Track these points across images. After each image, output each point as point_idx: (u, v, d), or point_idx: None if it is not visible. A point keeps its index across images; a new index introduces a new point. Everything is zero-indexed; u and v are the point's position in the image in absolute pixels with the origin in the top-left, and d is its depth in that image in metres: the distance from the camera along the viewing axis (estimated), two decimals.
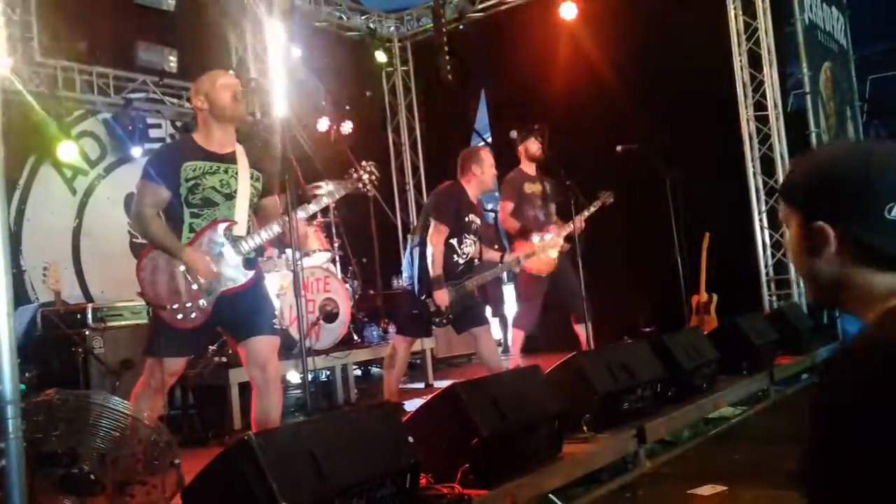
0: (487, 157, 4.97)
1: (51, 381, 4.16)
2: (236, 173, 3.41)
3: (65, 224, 6.55)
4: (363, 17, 9.14)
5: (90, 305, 5.35)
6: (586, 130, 7.35)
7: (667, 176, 6.32)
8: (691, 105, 7.09)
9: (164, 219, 3.37)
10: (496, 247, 6.09)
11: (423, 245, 4.80)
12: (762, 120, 7.28)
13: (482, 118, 9.48)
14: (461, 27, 8.67)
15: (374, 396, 6.03)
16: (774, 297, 7.28)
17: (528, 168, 5.77)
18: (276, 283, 5.44)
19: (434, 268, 4.68)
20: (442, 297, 4.67)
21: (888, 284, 1.07)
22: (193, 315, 3.27)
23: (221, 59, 7.58)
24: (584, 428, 3.82)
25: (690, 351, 4.72)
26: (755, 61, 7.27)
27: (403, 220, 9.42)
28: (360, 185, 3.65)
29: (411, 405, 4.66)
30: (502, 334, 9.30)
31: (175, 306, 3.25)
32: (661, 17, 7.27)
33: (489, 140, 9.43)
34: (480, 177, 4.93)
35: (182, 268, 3.28)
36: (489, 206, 10.79)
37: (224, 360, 5.13)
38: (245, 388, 4.76)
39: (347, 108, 8.45)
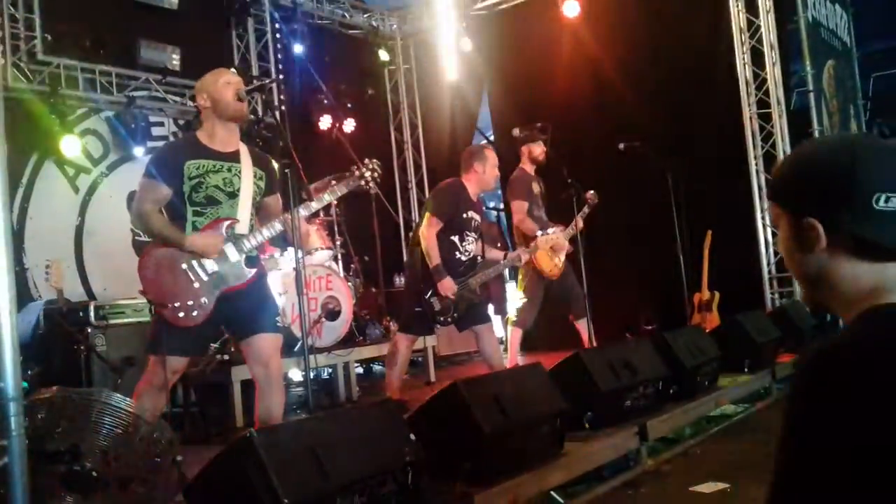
0: (491, 157, 4.98)
1: (53, 379, 4.17)
2: (239, 172, 3.41)
3: (67, 222, 6.56)
4: (365, 15, 9.14)
5: (92, 303, 5.36)
6: (588, 127, 7.35)
7: (669, 173, 6.32)
8: (694, 102, 7.09)
9: (166, 216, 3.38)
10: (499, 245, 6.08)
11: (418, 240, 4.80)
12: (765, 118, 7.27)
13: (484, 116, 9.47)
14: (463, 24, 8.67)
15: (375, 394, 6.03)
16: (777, 295, 7.27)
17: (530, 168, 5.79)
18: (279, 282, 5.44)
19: (431, 259, 4.67)
20: (447, 285, 4.66)
21: (874, 277, 1.07)
22: (195, 313, 3.28)
23: (224, 57, 7.58)
24: (586, 425, 3.83)
25: (692, 349, 4.72)
26: (758, 59, 7.26)
27: (405, 217, 9.42)
28: (363, 183, 3.66)
29: (413, 403, 4.66)
30: (505, 332, 9.30)
31: (177, 304, 3.26)
32: (663, 14, 7.26)
33: (491, 138, 9.42)
34: (482, 175, 4.93)
35: (184, 265, 3.28)
36: (490, 204, 10.80)
37: (226, 357, 5.14)
38: (247, 385, 4.76)
39: (349, 105, 8.45)
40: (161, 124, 7.23)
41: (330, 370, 6.09)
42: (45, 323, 5.28)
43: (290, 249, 4.65)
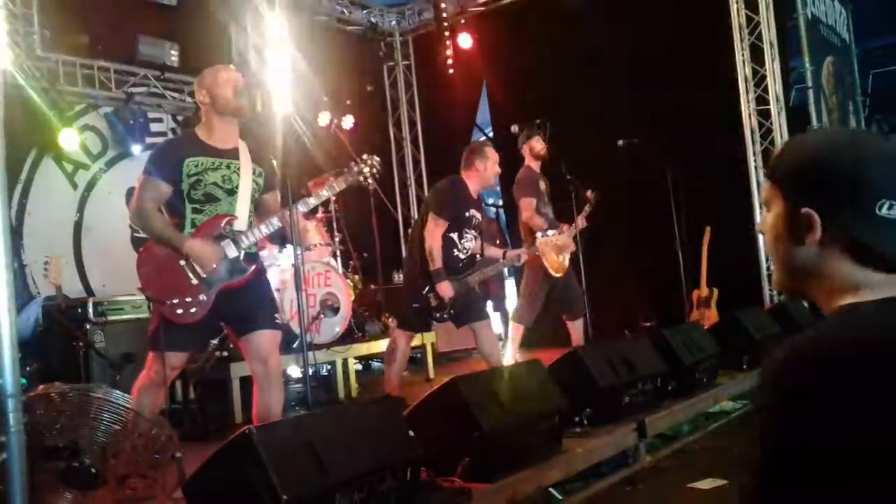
0: (493, 154, 4.97)
1: (52, 375, 4.17)
2: (238, 169, 3.41)
3: (66, 218, 6.55)
4: (364, 12, 9.12)
5: (91, 299, 5.36)
6: (587, 125, 7.34)
7: (668, 170, 6.32)
8: (693, 99, 7.07)
9: (165, 214, 3.38)
10: (498, 242, 6.09)
11: (419, 237, 4.80)
12: (764, 114, 7.26)
13: (483, 113, 9.47)
14: (462, 20, 8.67)
15: (374, 390, 6.03)
16: (775, 292, 7.27)
17: (535, 166, 5.81)
18: (276, 278, 5.44)
19: (434, 261, 4.67)
20: (445, 288, 4.67)
21: (859, 276, 1.05)
22: (193, 310, 3.27)
23: (223, 53, 7.57)
24: (585, 422, 3.83)
25: (691, 345, 4.73)
26: (757, 55, 7.26)
27: (404, 214, 9.42)
28: (361, 178, 3.65)
29: (412, 399, 4.66)
30: (503, 329, 9.30)
31: (175, 301, 3.26)
32: (662, 10, 7.25)
33: (490, 134, 9.41)
34: (483, 173, 4.93)
35: (182, 262, 3.28)
36: (490, 201, 10.79)
37: (225, 354, 5.14)
38: (246, 382, 4.76)
39: (348, 102, 8.44)
40: (160, 120, 7.23)
41: (329, 367, 6.09)
42: (43, 319, 5.28)
43: (289, 245, 4.64)
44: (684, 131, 6.93)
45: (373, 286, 7.39)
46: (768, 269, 7.25)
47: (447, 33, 8.81)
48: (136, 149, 6.75)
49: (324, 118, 8.13)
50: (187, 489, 2.61)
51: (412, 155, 9.60)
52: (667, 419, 4.20)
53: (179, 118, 7.30)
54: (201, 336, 3.68)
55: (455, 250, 4.82)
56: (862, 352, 0.96)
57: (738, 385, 5.00)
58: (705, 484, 3.43)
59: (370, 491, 2.60)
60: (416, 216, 7.26)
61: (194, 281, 3.28)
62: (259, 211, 3.55)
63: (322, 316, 5.65)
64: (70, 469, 2.70)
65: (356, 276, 6.81)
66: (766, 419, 0.99)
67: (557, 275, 5.60)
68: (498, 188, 9.75)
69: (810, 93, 7.27)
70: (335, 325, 5.82)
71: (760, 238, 7.21)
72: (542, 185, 5.76)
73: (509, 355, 5.71)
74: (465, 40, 8.63)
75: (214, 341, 5.06)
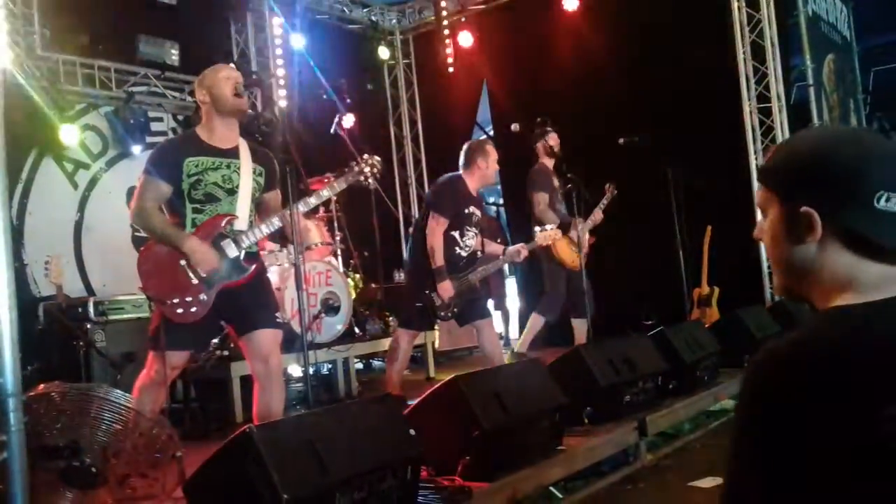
0: (493, 152, 4.98)
1: (52, 375, 4.17)
2: (238, 168, 3.41)
3: (66, 218, 6.55)
4: (365, 10, 9.11)
5: (92, 299, 5.36)
6: (588, 122, 7.33)
7: (668, 168, 6.31)
8: (693, 97, 7.07)
9: (166, 213, 3.38)
10: (499, 240, 6.09)
11: (420, 236, 4.80)
12: (765, 112, 7.25)
13: (484, 111, 9.46)
14: (462, 19, 8.67)
15: (375, 389, 6.03)
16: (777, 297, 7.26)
17: (549, 162, 5.83)
18: (277, 277, 5.44)
19: (435, 260, 4.68)
20: (446, 288, 4.68)
21: (853, 273, 1.05)
22: (194, 309, 3.27)
23: (223, 51, 7.57)
24: (585, 420, 3.84)
25: (692, 343, 4.73)
26: (758, 53, 7.24)
27: (405, 213, 9.41)
28: (362, 178, 3.65)
29: (413, 398, 4.67)
30: (504, 328, 9.30)
31: (175, 300, 3.26)
32: (662, 8, 7.24)
33: (491, 133, 9.41)
34: (484, 170, 4.93)
35: (183, 262, 3.28)
36: (490, 200, 10.79)
37: (226, 353, 5.14)
38: (247, 381, 4.76)
39: (349, 100, 8.43)
40: (160, 119, 7.22)
41: (329, 366, 6.09)
42: (44, 319, 5.28)
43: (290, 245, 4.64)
44: (685, 129, 6.92)
45: (373, 285, 7.39)
46: (769, 267, 7.19)
47: (447, 32, 8.81)
48: (136, 148, 6.75)
49: (324, 117, 8.12)
50: (188, 488, 2.61)
51: (413, 153, 9.60)
52: (668, 418, 4.20)
53: (180, 117, 7.30)
54: (202, 335, 3.68)
55: (457, 248, 4.83)
56: (839, 354, 0.96)
57: (739, 384, 4.99)
58: (706, 483, 3.42)
59: (371, 490, 2.60)
60: (417, 215, 7.27)
61: (195, 280, 3.28)
62: (260, 210, 3.55)
63: (323, 315, 5.65)
64: (71, 468, 2.70)
65: (357, 275, 6.81)
66: (741, 420, 1.00)
67: (574, 268, 5.64)
68: (498, 187, 9.76)
69: (811, 90, 7.26)
70: (336, 324, 5.82)
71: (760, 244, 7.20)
72: (556, 181, 5.78)
73: (521, 343, 5.73)
74: (466, 38, 8.63)
75: (215, 340, 5.06)
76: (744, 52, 7.26)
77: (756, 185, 7.18)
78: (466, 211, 4.86)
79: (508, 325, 9.57)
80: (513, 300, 9.68)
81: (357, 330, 6.31)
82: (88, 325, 5.08)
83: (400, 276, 7.87)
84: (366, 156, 3.70)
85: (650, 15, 7.33)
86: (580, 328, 5.76)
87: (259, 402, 3.39)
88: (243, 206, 3.41)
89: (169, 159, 3.35)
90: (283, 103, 7.81)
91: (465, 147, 5.02)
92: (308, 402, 3.55)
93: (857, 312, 1.02)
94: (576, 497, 3.40)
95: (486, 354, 4.95)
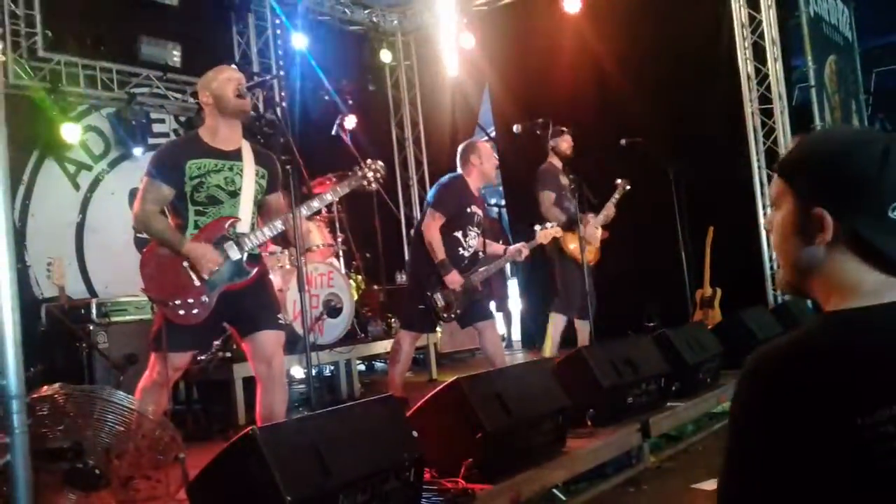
0: (485, 148, 5.00)
1: (55, 377, 4.16)
2: (241, 170, 3.41)
3: (69, 219, 6.55)
4: (366, 11, 9.12)
5: (94, 300, 5.36)
6: (590, 124, 7.33)
7: (671, 169, 6.31)
8: (695, 98, 7.07)
9: (168, 216, 3.38)
10: (500, 241, 6.09)
11: (421, 237, 4.80)
12: (767, 113, 7.25)
13: (485, 112, 9.46)
14: (464, 20, 8.66)
15: (378, 391, 6.02)
16: (779, 291, 7.26)
17: (558, 161, 5.84)
18: (279, 279, 5.44)
19: (436, 254, 4.67)
20: (454, 278, 4.68)
21: (863, 279, 1.05)
22: (195, 311, 3.27)
23: (225, 53, 7.57)
24: (588, 422, 3.83)
25: (694, 345, 4.72)
26: (760, 54, 7.24)
27: (407, 214, 9.41)
28: (365, 183, 3.66)
29: (415, 400, 4.66)
30: (506, 329, 9.30)
31: (177, 302, 3.26)
32: (664, 9, 7.24)
33: (492, 134, 9.41)
34: (481, 167, 4.94)
35: (185, 263, 3.28)
36: (492, 201, 10.79)
37: (228, 354, 5.14)
38: (249, 382, 4.76)
39: (350, 101, 8.44)
40: (162, 121, 7.22)
41: (332, 367, 6.09)
42: (46, 320, 5.27)
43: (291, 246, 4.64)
44: (687, 130, 6.92)
45: (375, 286, 7.39)
46: (772, 268, 7.24)
47: (449, 33, 8.80)
48: (138, 150, 6.75)
49: (326, 118, 8.12)
50: (191, 490, 2.61)
51: (414, 155, 9.60)
52: (670, 419, 4.20)
53: (182, 119, 7.30)
54: (204, 337, 3.68)
55: (460, 248, 4.83)
56: (830, 357, 0.97)
57: (735, 384, 4.99)
58: (709, 485, 3.42)
59: (374, 492, 2.60)
60: (419, 216, 7.27)
61: (197, 282, 3.28)
62: (262, 212, 3.55)
63: (325, 317, 5.65)
64: (74, 470, 2.70)
65: (359, 277, 6.81)
66: (735, 420, 1.01)
67: (588, 263, 5.66)
68: (500, 188, 9.76)
69: (813, 91, 7.25)
70: (338, 326, 5.82)
71: (764, 235, 7.21)
72: (565, 179, 5.77)
73: (549, 348, 5.72)
74: (468, 40, 8.63)
75: (217, 342, 5.06)
76: (745, 53, 7.26)
77: (758, 185, 7.19)
78: (468, 210, 4.86)
79: (510, 326, 9.58)
80: (515, 302, 9.69)
81: (359, 332, 6.31)
82: (91, 327, 5.08)
83: (402, 278, 7.87)
84: (369, 161, 3.71)
85: (651, 16, 7.33)
86: (583, 329, 5.75)
87: (262, 404, 3.39)
88: (246, 208, 3.41)
89: (171, 162, 3.34)
90: (284, 104, 7.82)
91: (458, 150, 5.05)
92: (311, 403, 3.55)
93: (854, 316, 1.02)
94: (579, 499, 3.39)
95: (489, 356, 4.95)
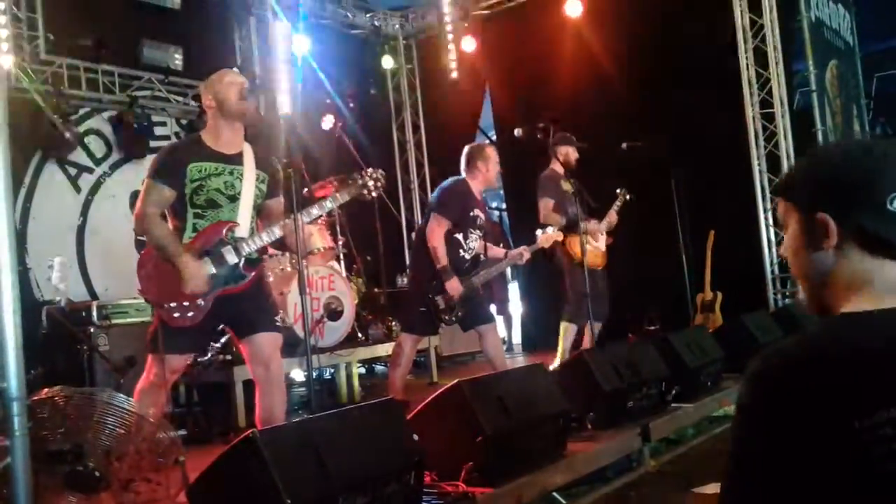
0: (493, 154, 4.99)
1: (56, 379, 4.16)
2: (241, 175, 3.41)
3: (69, 222, 6.56)
4: (368, 15, 9.13)
5: (95, 303, 5.36)
6: (591, 128, 7.32)
7: (672, 173, 6.31)
8: (697, 102, 7.07)
9: (168, 218, 3.38)
10: (501, 245, 6.09)
11: (423, 240, 4.80)
12: (768, 118, 7.25)
13: (487, 116, 9.47)
14: (465, 24, 8.69)
15: (378, 394, 6.02)
16: (780, 295, 7.26)
17: (559, 168, 5.84)
18: (279, 282, 5.44)
19: (439, 259, 4.67)
20: (454, 286, 4.67)
21: (868, 276, 1.07)
22: (191, 314, 3.27)
23: (227, 56, 7.58)
24: (589, 426, 3.83)
25: (695, 349, 4.71)
26: (761, 59, 7.25)
27: (408, 218, 9.42)
28: (365, 192, 3.66)
29: (415, 403, 4.66)
30: (506, 332, 9.29)
31: (172, 304, 3.26)
32: (666, 13, 7.25)
33: (494, 138, 9.42)
34: (486, 174, 4.94)
35: None
36: (493, 205, 10.80)
37: (229, 357, 5.13)
38: (249, 385, 4.76)
39: (352, 105, 8.45)
40: (163, 124, 7.24)
41: (332, 370, 6.08)
42: (47, 323, 5.28)
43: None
44: (688, 134, 6.92)
45: (376, 290, 7.39)
46: (772, 272, 7.24)
47: (451, 37, 8.82)
48: (139, 153, 6.76)
49: (327, 121, 8.14)
50: (191, 493, 2.61)
51: (416, 158, 9.60)
52: (671, 423, 4.19)
53: (183, 122, 7.31)
54: (200, 339, 3.68)
55: (461, 251, 4.83)
56: (830, 359, 0.98)
57: (739, 387, 4.98)
58: (710, 489, 3.40)
59: (374, 495, 2.59)
60: (420, 220, 7.27)
61: None
62: (262, 216, 3.55)
63: (325, 319, 5.65)
64: (74, 472, 2.70)
65: (360, 280, 6.80)
66: (738, 423, 1.01)
67: (595, 266, 5.65)
68: (501, 191, 9.76)
69: (814, 96, 7.26)
70: (339, 329, 5.82)
71: (765, 239, 7.20)
72: (567, 185, 5.77)
73: (560, 357, 5.70)
74: (469, 44, 8.64)
75: (217, 345, 5.06)
76: (747, 58, 7.27)
77: (759, 189, 7.19)
78: (471, 214, 4.87)
79: (511, 329, 9.57)
80: (515, 305, 9.68)
81: (360, 334, 6.31)
82: (91, 329, 5.08)
83: (403, 281, 7.86)
84: (370, 170, 3.71)
85: (653, 22, 7.34)
86: (589, 333, 5.73)
87: (261, 407, 3.39)
88: (245, 212, 3.40)
89: (172, 164, 3.34)
90: (286, 108, 7.82)
91: (464, 151, 5.03)
92: (311, 406, 3.55)
93: (856, 319, 1.04)
94: (579, 503, 3.38)
95: (490, 359, 4.94)
